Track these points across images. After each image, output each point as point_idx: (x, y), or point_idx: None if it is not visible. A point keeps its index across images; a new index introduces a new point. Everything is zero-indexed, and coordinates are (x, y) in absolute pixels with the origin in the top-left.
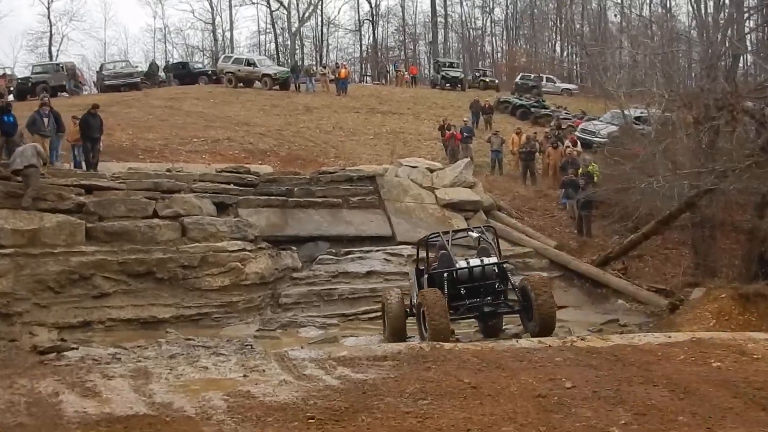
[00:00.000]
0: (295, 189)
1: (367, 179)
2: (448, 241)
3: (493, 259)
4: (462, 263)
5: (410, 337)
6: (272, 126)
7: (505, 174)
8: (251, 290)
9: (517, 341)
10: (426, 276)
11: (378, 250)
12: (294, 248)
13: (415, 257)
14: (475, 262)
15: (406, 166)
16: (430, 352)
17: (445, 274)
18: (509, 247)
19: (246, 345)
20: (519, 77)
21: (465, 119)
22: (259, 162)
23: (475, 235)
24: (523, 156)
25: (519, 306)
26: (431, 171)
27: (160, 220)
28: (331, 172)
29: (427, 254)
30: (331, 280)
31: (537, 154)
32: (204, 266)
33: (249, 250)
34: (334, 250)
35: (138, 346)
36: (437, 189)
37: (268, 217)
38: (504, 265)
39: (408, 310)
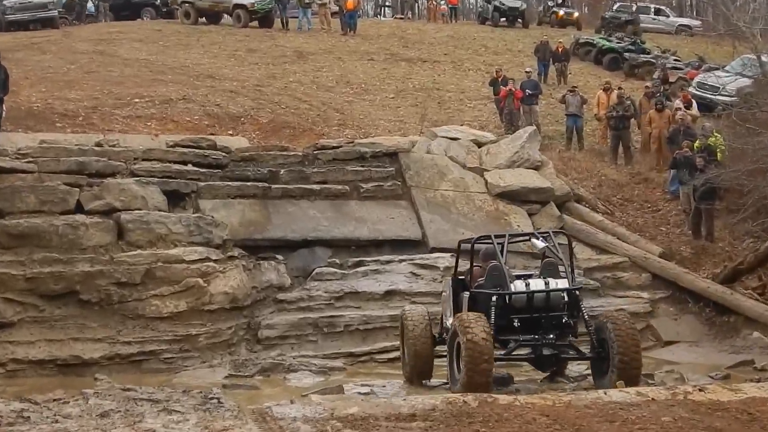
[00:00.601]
0: (282, 171)
1: (386, 157)
2: (501, 247)
3: (563, 282)
4: (519, 285)
5: (444, 386)
6: (248, 80)
7: (587, 149)
8: (218, 318)
9: (605, 392)
10: (467, 294)
11: (402, 261)
12: (280, 257)
13: (454, 265)
14: (537, 283)
15: (444, 137)
16: (478, 408)
17: (494, 297)
18: (593, 255)
19: (211, 398)
20: (615, 6)
21: (528, 69)
22: (230, 132)
23: (540, 244)
24: (614, 123)
25: (593, 353)
26: (479, 145)
27: (87, 216)
28: (334, 147)
29: (471, 262)
30: (334, 303)
31: (634, 119)
32: (150, 284)
33: (215, 261)
34: (338, 260)
35: (55, 400)
36: (488, 171)
37: (243, 213)
38: (578, 291)
39: (437, 335)
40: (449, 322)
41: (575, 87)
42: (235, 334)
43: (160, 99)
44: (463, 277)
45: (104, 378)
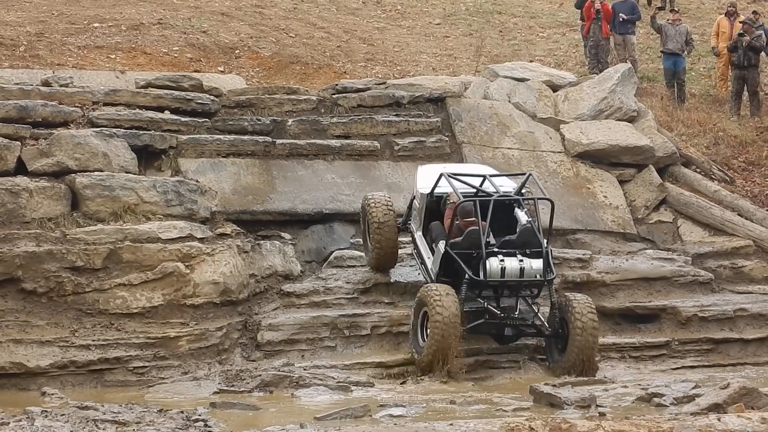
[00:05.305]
0: (290, 122)
1: (429, 104)
2: (483, 210)
3: (538, 263)
4: (494, 264)
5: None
6: None
7: (699, 96)
8: (204, 316)
9: (719, 418)
10: (443, 245)
11: None
12: (286, 236)
13: (432, 187)
14: (512, 264)
15: (507, 78)
16: None
17: (467, 275)
18: (705, 237)
19: (195, 420)
20: None
21: None
22: (220, 69)
23: (524, 219)
24: (738, 59)
25: (552, 330)
26: (554, 88)
27: (31, 179)
28: (359, 90)
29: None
30: (359, 297)
31: (765, 54)
32: (114, 269)
33: (200, 240)
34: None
35: None
36: (566, 123)
37: (238, 176)
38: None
39: (400, 224)
40: (417, 234)
41: (676, 11)
42: (226, 336)
43: (128, 23)
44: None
45: (55, 392)
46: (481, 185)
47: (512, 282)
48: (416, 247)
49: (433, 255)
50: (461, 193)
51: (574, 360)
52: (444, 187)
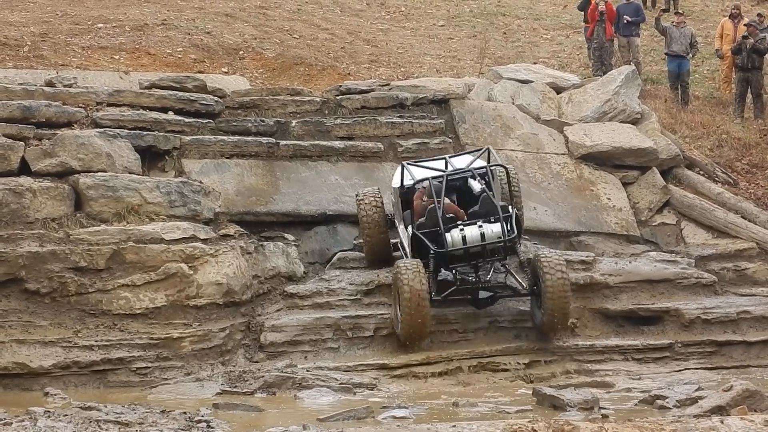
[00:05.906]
0: (294, 123)
1: (432, 105)
2: (437, 182)
3: (497, 227)
4: (456, 235)
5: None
6: (249, 0)
7: (703, 98)
8: (208, 317)
9: (722, 421)
10: (410, 231)
11: None
12: (290, 237)
13: (400, 179)
14: (473, 232)
15: (510, 80)
16: None
17: (432, 251)
18: (708, 239)
19: (198, 421)
20: None
21: None
22: (224, 70)
23: (477, 187)
24: (741, 61)
25: (528, 288)
26: (558, 90)
27: (34, 179)
28: (363, 92)
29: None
30: (362, 299)
31: None
32: (117, 270)
33: (203, 240)
34: None
35: None
36: (570, 125)
37: (242, 177)
38: (513, 239)
39: (391, 218)
40: (399, 227)
41: (681, 13)
42: (230, 338)
43: (132, 24)
44: (407, 187)
45: (58, 393)
46: (446, 167)
47: (476, 248)
48: (400, 238)
49: None
50: (425, 177)
51: (551, 314)
52: (410, 178)
